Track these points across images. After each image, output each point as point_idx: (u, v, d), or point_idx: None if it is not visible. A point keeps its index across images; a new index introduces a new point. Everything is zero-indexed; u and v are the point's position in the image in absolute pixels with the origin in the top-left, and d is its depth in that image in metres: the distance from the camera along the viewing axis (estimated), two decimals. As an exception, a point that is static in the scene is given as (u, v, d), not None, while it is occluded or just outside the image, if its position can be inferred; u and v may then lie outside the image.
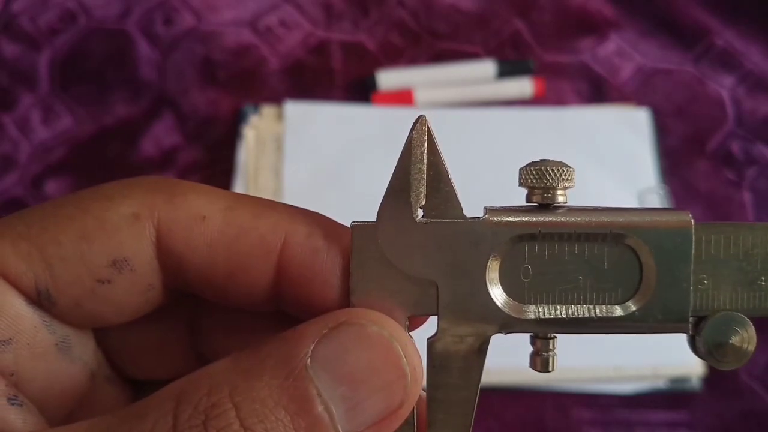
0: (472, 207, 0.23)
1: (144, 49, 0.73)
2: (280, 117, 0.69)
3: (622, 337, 0.67)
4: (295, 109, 0.69)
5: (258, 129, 0.69)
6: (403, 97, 0.71)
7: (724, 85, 0.74)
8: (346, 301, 0.23)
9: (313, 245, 0.23)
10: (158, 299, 0.24)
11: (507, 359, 0.60)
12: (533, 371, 0.25)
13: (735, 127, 0.72)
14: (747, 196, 0.69)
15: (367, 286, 0.22)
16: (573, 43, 0.76)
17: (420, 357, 0.22)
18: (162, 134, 0.69)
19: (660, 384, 0.60)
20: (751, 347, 0.23)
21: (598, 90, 0.74)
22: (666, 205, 0.66)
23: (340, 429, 0.20)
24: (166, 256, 0.23)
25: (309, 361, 0.20)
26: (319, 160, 0.67)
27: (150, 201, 0.23)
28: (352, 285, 0.23)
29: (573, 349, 0.60)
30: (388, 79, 0.72)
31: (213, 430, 0.19)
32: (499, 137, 0.69)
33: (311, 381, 0.20)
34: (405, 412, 0.21)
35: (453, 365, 0.23)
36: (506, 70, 0.73)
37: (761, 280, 0.23)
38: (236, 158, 0.67)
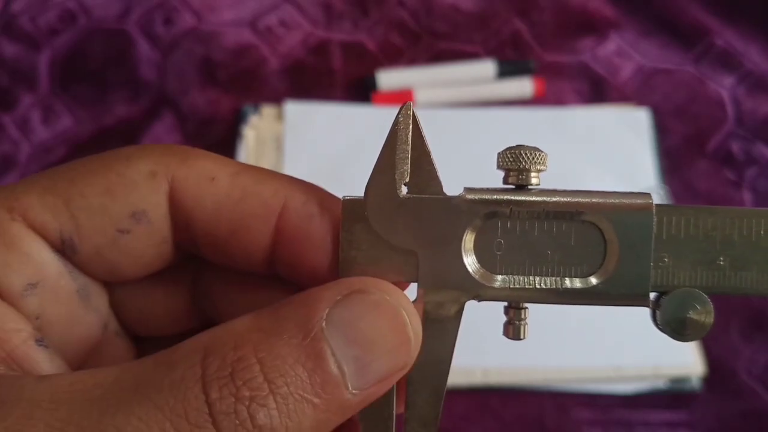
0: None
1: (144, 49, 0.73)
2: (280, 117, 0.69)
3: (622, 337, 0.66)
4: (295, 109, 0.69)
5: (258, 129, 0.69)
6: (403, 97, 0.71)
7: (724, 85, 0.74)
8: (334, 265, 0.25)
9: (309, 211, 0.25)
10: (169, 254, 0.26)
11: (506, 359, 0.61)
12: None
13: (735, 126, 0.72)
14: (747, 196, 0.69)
15: (354, 254, 0.24)
16: (573, 43, 0.76)
17: (420, 324, 0.24)
18: (162, 134, 0.69)
19: (660, 384, 0.60)
20: (709, 320, 0.24)
21: (598, 90, 0.74)
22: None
23: (349, 386, 0.22)
24: (177, 211, 0.25)
25: (324, 324, 0.22)
26: (319, 159, 0.67)
27: (165, 161, 0.25)
28: (341, 253, 0.25)
29: (573, 348, 0.60)
30: (388, 79, 0.72)
31: (240, 381, 0.21)
32: (498, 137, 0.69)
33: (326, 342, 0.22)
34: (405, 372, 0.23)
35: (430, 329, 0.24)
36: (506, 70, 0.73)
37: (720, 260, 0.24)
38: (236, 158, 0.67)
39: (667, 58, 0.76)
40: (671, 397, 0.60)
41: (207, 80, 0.72)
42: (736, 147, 0.71)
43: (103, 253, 0.25)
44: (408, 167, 0.24)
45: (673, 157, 0.70)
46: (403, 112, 0.24)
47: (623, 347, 0.60)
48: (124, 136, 0.69)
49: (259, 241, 0.25)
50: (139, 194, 0.25)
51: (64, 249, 0.25)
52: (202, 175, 0.25)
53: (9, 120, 0.69)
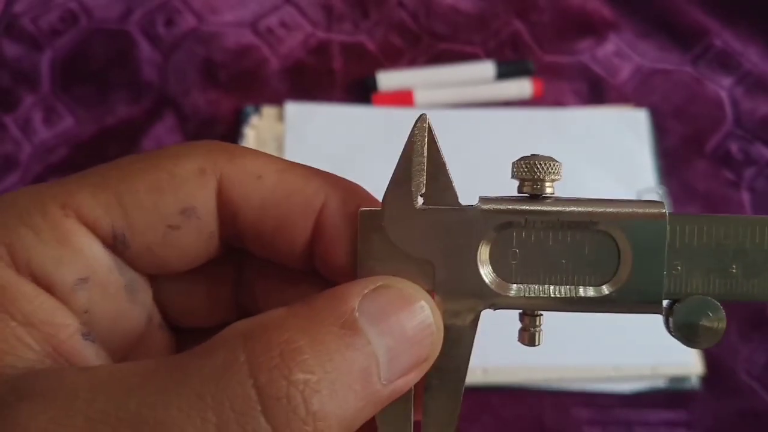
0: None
1: (145, 49, 0.73)
2: (280, 117, 0.70)
3: (622, 336, 0.66)
4: (295, 110, 0.70)
5: (259, 129, 0.69)
6: (403, 98, 0.71)
7: (722, 86, 0.75)
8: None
9: (346, 211, 0.25)
10: (215, 248, 0.27)
11: (507, 358, 0.61)
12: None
13: (733, 127, 0.72)
14: (746, 196, 0.69)
15: (372, 264, 0.25)
16: (572, 44, 0.76)
17: (441, 319, 0.24)
18: (163, 135, 0.70)
19: (659, 383, 0.60)
20: (722, 327, 0.25)
21: (596, 90, 0.74)
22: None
23: (381, 376, 0.22)
24: (224, 207, 0.26)
25: (357, 314, 0.22)
26: (319, 160, 0.67)
27: (213, 158, 0.26)
28: (359, 263, 0.25)
29: (572, 348, 0.61)
30: (388, 79, 0.72)
31: (292, 362, 0.20)
32: (498, 138, 0.69)
33: (363, 331, 0.22)
34: (427, 366, 0.24)
35: (447, 336, 0.24)
36: (505, 71, 0.73)
37: (732, 268, 0.25)
38: (237, 158, 0.67)
39: (665, 59, 0.76)
40: (670, 397, 0.60)
41: (208, 81, 0.72)
42: (734, 147, 0.71)
43: (153, 249, 0.25)
44: (424, 179, 0.25)
45: (672, 157, 0.70)
46: (418, 124, 0.24)
47: (623, 346, 0.60)
48: (125, 136, 0.69)
49: (301, 236, 0.26)
50: (188, 191, 0.25)
51: (115, 244, 0.25)
52: (249, 173, 0.26)
53: (11, 120, 0.69)
